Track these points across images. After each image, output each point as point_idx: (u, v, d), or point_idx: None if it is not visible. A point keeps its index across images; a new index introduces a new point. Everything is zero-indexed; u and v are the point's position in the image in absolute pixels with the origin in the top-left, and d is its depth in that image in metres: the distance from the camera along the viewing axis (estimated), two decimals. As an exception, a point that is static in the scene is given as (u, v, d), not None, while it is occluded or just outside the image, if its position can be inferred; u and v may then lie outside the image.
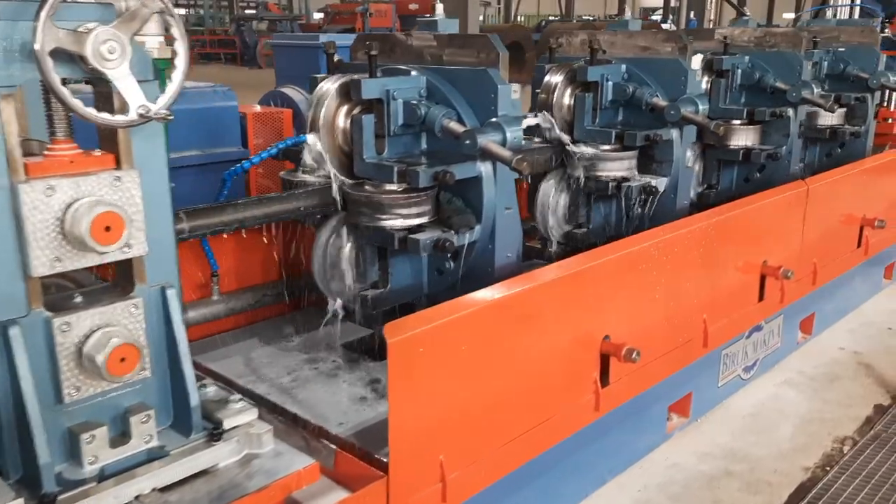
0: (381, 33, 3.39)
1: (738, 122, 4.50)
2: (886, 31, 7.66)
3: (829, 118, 5.36)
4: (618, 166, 3.58)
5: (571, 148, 3.60)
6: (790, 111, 4.51)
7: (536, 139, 3.76)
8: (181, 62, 1.78)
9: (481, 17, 41.72)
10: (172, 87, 1.75)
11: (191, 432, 1.99)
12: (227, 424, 2.04)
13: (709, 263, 3.31)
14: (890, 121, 6.56)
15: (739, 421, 3.96)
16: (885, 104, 6.58)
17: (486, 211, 2.79)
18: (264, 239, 3.23)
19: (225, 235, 3.01)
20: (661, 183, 3.63)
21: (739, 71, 4.52)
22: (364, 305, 2.80)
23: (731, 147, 4.51)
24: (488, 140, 2.54)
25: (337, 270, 2.79)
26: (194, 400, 1.99)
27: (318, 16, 29.84)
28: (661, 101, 3.52)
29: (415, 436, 2.15)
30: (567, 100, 3.67)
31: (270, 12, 35.03)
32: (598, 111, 3.65)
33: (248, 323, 3.28)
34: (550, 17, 36.25)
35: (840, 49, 5.47)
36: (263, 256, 3.31)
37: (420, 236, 2.63)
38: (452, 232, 2.71)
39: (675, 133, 3.64)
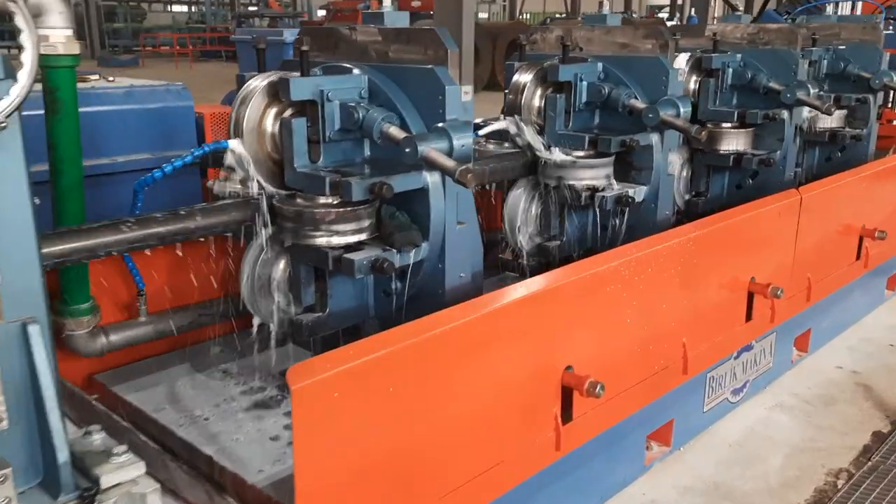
0: (324, 27, 3.08)
1: (728, 125, 4.19)
2: (892, 28, 7.31)
3: (829, 120, 5.05)
4: (591, 174, 3.27)
5: (542, 154, 3.30)
6: (785, 113, 4.20)
7: (506, 144, 3.47)
8: (28, 58, 1.48)
9: (486, 15, 41.37)
10: (16, 89, 1.46)
11: (59, 493, 1.70)
12: (105, 482, 1.74)
13: (689, 282, 3.01)
14: (895, 122, 6.23)
15: (726, 450, 3.65)
16: (890, 105, 6.25)
17: (434, 226, 2.50)
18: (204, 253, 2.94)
19: (148, 252, 2.73)
20: (639, 192, 3.33)
21: (730, 70, 4.21)
22: (298, 331, 2.49)
23: (721, 152, 4.20)
24: (431, 148, 2.24)
25: (267, 292, 2.49)
26: (63, 455, 1.69)
27: (321, 13, 29.58)
28: (638, 104, 3.21)
29: (331, 495, 1.85)
30: (538, 101, 3.36)
31: (272, 9, 34.74)
32: (572, 114, 3.34)
33: (182, 346, 2.99)
34: (557, 15, 35.83)
35: (841, 47, 5.15)
36: (202, 272, 3.01)
37: (355, 256, 2.33)
38: (394, 251, 2.41)
39: (654, 137, 3.33)
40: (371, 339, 1.89)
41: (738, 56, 4.26)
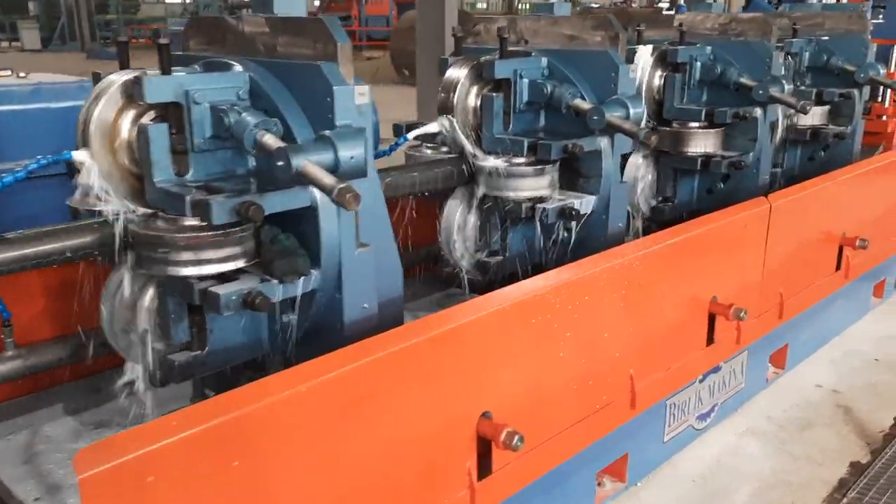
0: (213, 16, 2.73)
1: (696, 124, 3.82)
2: (881, 16, 6.92)
3: (811, 117, 4.68)
4: (532, 184, 2.92)
5: (477, 161, 2.95)
6: (758, 111, 3.83)
7: (444, 148, 3.11)
8: None
9: (484, 5, 40.77)
10: None
11: None
12: None
13: (636, 307, 2.66)
14: (885, 118, 5.86)
15: (688, 485, 3.31)
16: (880, 99, 5.88)
17: (326, 251, 2.14)
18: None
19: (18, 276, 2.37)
20: (585, 203, 2.97)
21: (698, 64, 3.84)
22: (169, 373, 2.14)
23: (689, 154, 3.83)
24: (308, 161, 1.87)
25: (130, 329, 2.14)
26: None
27: (316, 3, 29.11)
28: (583, 104, 2.85)
29: None
30: (473, 101, 3.00)
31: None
32: (512, 115, 2.98)
33: (57, 384, 2.64)
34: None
35: (824, 38, 4.78)
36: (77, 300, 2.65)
37: (222, 289, 1.97)
38: (275, 281, 2.05)
39: (603, 142, 2.98)
40: (203, 404, 1.54)
41: (708, 49, 3.89)
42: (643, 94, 3.81)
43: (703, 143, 3.83)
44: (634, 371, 2.68)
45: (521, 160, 2.90)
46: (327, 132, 1.99)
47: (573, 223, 2.92)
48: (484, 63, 2.92)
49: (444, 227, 3.04)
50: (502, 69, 2.90)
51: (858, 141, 4.91)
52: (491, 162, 2.88)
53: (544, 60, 3.03)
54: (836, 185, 3.69)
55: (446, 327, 2.01)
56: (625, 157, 3.94)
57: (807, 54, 4.72)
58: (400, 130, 3.12)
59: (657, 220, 4.02)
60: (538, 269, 3.12)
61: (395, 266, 2.41)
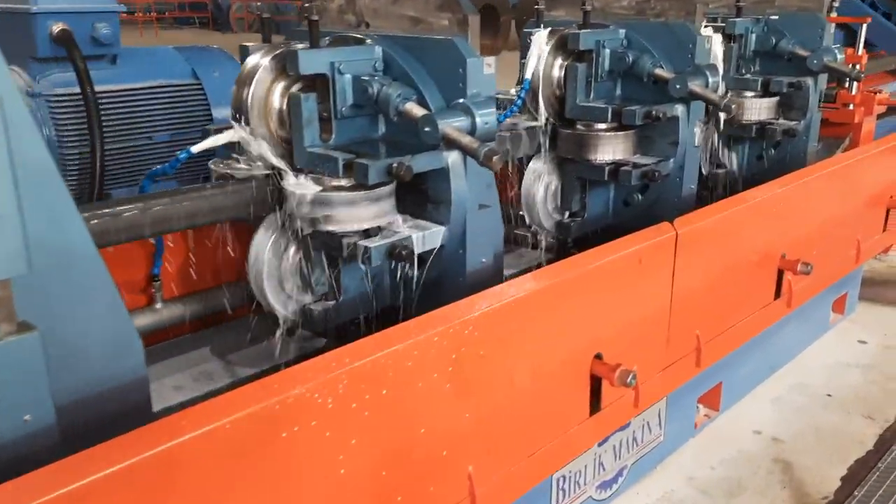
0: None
1: (604, 126, 3.13)
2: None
3: (758, 111, 4.01)
4: (364, 213, 2.23)
5: (285, 183, 2.26)
6: (679, 109, 3.15)
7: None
8: None
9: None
10: None
11: None
12: None
13: (474, 386, 2.00)
14: (851, 107, 5.17)
15: (576, 579, 2.68)
16: (847, 86, 5.17)
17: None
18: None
19: None
20: (430, 237, 2.28)
21: (607, 51, 3.14)
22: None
23: (596, 163, 3.15)
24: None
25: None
26: None
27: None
28: (416, 109, 2.17)
29: None
30: (277, 102, 2.31)
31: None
32: (334, 122, 2.29)
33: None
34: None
35: (773, 17, 4.08)
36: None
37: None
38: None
39: (452, 158, 2.29)
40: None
41: (621, 32, 3.20)
42: (539, 88, 3.13)
43: (612, 148, 3.15)
44: (475, 469, 2.02)
45: (345, 181, 2.22)
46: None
47: (408, 263, 2.24)
48: (287, 54, 2.21)
49: (251, 265, 2.36)
50: (313, 62, 2.20)
51: (814, 137, 4.23)
52: (307, 187, 2.20)
53: (378, 50, 2.34)
54: (768, 200, 3.01)
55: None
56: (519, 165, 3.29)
57: (753, 36, 4.03)
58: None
59: (563, 239, 3.36)
60: (387, 316, 2.46)
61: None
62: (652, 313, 2.60)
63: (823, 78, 4.12)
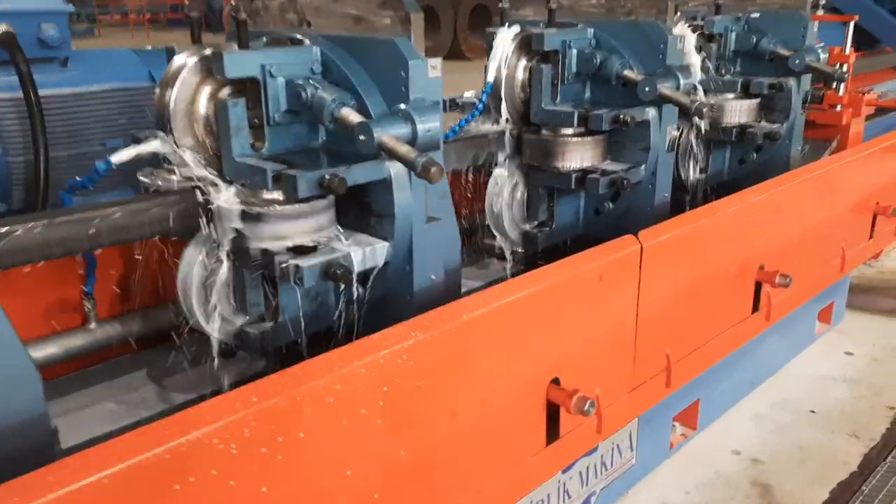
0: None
1: (570, 130, 2.96)
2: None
3: (738, 114, 3.84)
4: (290, 228, 2.05)
5: (213, 197, 2.08)
6: (650, 112, 2.98)
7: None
8: None
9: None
10: None
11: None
12: None
13: (413, 419, 1.82)
14: (839, 108, 4.99)
15: None
16: (834, 86, 5.00)
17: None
18: None
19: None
20: (371, 254, 2.10)
21: (574, 52, 2.97)
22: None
23: (561, 170, 2.98)
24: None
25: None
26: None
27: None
28: (352, 116, 1.99)
29: None
30: (204, 108, 2.13)
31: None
32: (267, 130, 2.11)
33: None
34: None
35: (754, 15, 3.91)
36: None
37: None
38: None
39: (395, 168, 2.11)
40: None
41: (589, 32, 3.02)
42: (502, 91, 2.95)
43: (579, 155, 2.97)
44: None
45: (276, 194, 2.04)
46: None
47: (345, 283, 2.05)
48: (213, 56, 2.02)
49: (181, 285, 2.19)
50: (240, 65, 2.02)
51: (798, 139, 4.06)
52: (223, 198, 2.02)
53: (316, 51, 2.16)
54: (743, 209, 2.84)
55: None
56: (486, 172, 3.11)
57: (733, 35, 3.86)
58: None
59: (530, 250, 3.18)
60: (330, 337, 2.28)
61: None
62: (616, 333, 2.42)
63: (807, 78, 3.95)
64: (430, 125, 2.01)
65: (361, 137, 1.92)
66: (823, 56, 3.73)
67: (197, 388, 2.39)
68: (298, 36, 2.24)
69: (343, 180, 1.91)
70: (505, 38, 2.95)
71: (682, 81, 2.86)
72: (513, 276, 2.77)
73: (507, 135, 3.02)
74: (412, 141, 1.98)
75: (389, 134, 1.92)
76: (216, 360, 2.27)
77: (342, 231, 2.15)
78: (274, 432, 1.53)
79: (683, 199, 3.89)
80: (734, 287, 2.99)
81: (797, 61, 3.68)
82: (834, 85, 4.93)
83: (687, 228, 2.55)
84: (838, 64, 4.27)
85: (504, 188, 3.09)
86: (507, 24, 3.01)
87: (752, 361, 3.68)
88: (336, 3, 2.24)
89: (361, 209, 2.20)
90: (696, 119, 3.61)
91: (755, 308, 3.12)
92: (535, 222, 3.17)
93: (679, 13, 3.91)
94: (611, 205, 3.17)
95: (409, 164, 1.87)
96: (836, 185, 3.55)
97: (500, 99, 2.95)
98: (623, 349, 2.47)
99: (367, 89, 2.11)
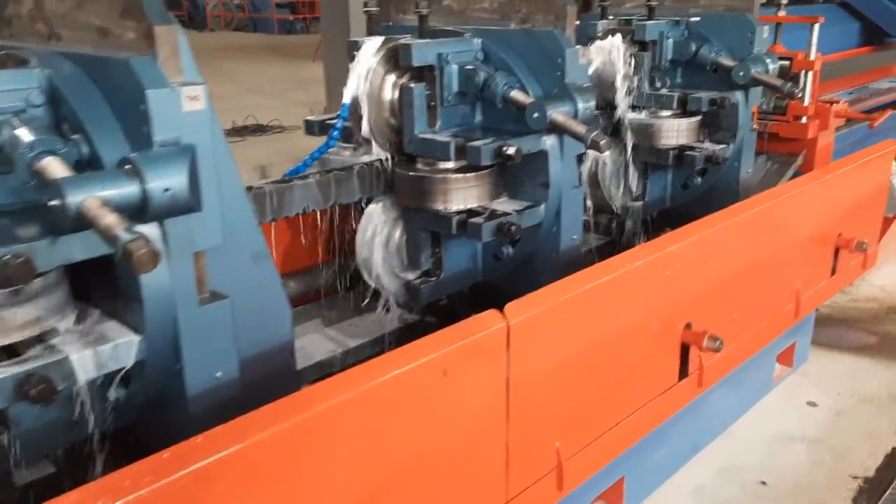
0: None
1: (450, 164, 2.41)
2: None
3: (676, 135, 3.31)
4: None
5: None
6: (547, 141, 2.44)
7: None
8: None
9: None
10: None
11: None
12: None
13: None
14: (804, 119, 4.47)
15: None
16: (799, 95, 4.46)
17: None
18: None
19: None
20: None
21: (454, 68, 2.42)
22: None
23: (441, 213, 2.43)
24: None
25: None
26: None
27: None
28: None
29: None
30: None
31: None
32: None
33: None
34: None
35: (694, 18, 3.37)
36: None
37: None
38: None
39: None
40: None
41: (476, 43, 2.49)
42: (366, 113, 2.41)
43: (462, 195, 2.43)
44: None
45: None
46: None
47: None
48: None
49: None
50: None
51: (748, 161, 3.54)
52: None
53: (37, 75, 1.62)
54: (656, 262, 2.28)
55: None
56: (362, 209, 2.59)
57: (670, 42, 3.33)
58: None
59: (413, 305, 2.64)
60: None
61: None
62: (475, 432, 1.88)
63: (757, 91, 3.42)
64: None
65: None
66: (773, 66, 3.18)
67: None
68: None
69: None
70: (368, 50, 2.41)
71: (579, 105, 2.32)
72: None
73: (379, 167, 2.49)
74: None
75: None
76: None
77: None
78: None
79: (616, 231, 3.38)
80: (653, 352, 2.45)
81: (741, 73, 3.15)
82: (799, 94, 4.42)
83: (567, 297, 1.99)
84: (790, 76, 3.75)
85: (378, 231, 2.55)
86: (375, 33, 2.49)
87: (693, 422, 3.14)
88: (79, 10, 1.69)
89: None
90: (626, 137, 3.12)
91: (683, 374, 2.59)
92: (419, 271, 2.63)
93: (611, 16, 3.40)
94: (511, 249, 2.63)
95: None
96: (787, 219, 3.01)
97: (362, 124, 2.42)
98: (491, 451, 1.93)
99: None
